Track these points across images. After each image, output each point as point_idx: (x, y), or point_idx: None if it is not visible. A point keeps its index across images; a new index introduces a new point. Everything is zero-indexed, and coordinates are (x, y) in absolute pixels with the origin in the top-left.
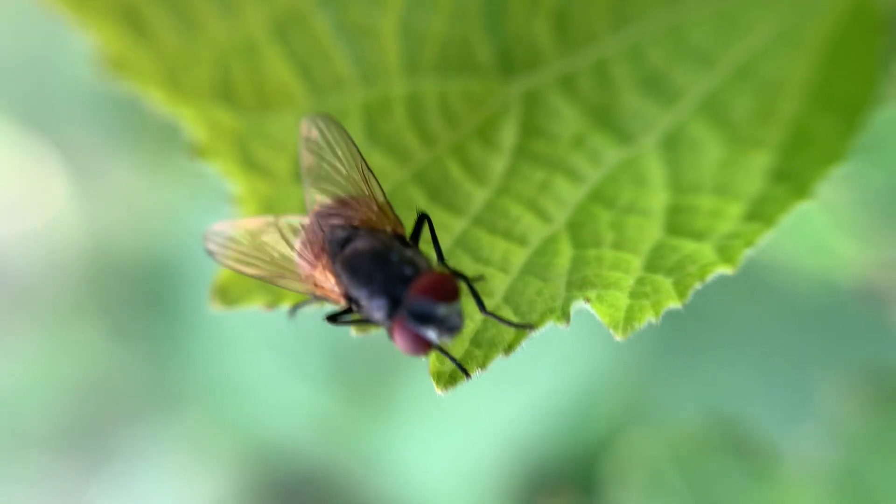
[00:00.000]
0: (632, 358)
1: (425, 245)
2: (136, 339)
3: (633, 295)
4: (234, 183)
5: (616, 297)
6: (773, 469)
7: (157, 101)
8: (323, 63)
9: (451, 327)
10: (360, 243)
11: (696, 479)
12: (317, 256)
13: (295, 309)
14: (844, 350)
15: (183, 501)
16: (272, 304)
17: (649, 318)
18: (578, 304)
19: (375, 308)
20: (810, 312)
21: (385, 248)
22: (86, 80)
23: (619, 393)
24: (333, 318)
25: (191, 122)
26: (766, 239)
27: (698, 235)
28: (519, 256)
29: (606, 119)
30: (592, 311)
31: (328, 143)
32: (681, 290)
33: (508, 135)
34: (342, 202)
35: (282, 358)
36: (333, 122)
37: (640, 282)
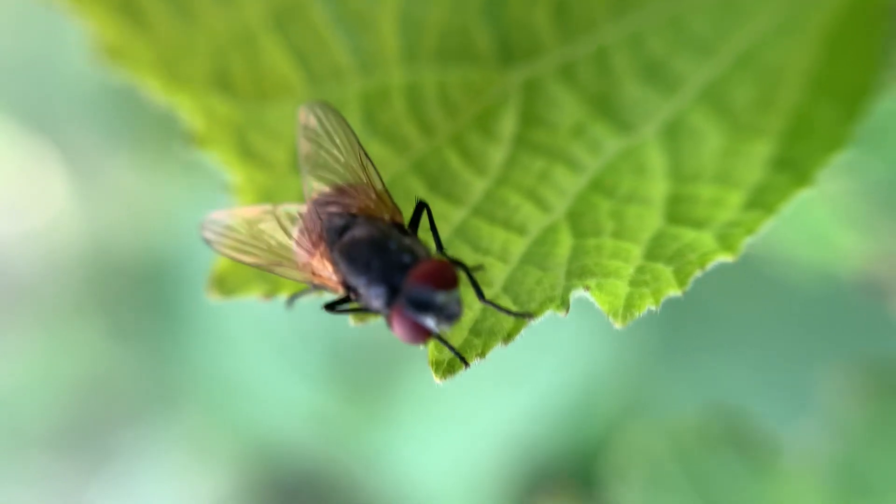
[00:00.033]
0: (631, 356)
1: (424, 234)
2: (136, 339)
3: (633, 283)
4: (232, 172)
5: (616, 286)
6: (773, 462)
7: (155, 90)
8: (321, 53)
9: (449, 315)
10: (359, 231)
11: (697, 474)
12: (315, 244)
13: (293, 298)
14: (844, 342)
15: (183, 501)
16: (270, 294)
17: (649, 305)
18: (578, 294)
19: (374, 296)
20: (810, 305)
21: (383, 236)
22: (86, 80)
23: (619, 390)
24: (332, 307)
25: (188, 111)
26: (767, 227)
27: (698, 224)
28: (518, 246)
29: (606, 108)
30: (592, 299)
31: (326, 131)
32: (681, 278)
33: (508, 124)
34: (340, 190)
35: (282, 358)
36: (331, 110)
37: (640, 270)
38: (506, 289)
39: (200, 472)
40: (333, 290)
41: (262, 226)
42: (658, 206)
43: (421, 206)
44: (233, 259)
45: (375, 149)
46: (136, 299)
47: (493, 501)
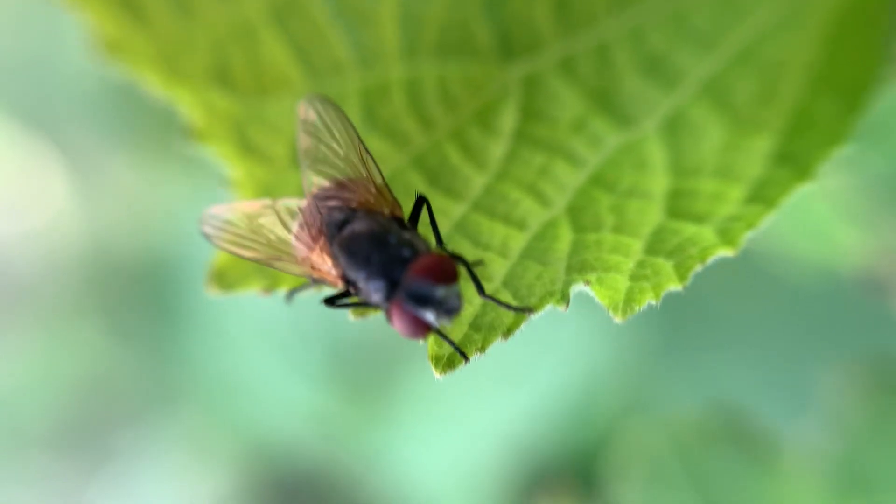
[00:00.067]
0: (632, 355)
1: (424, 229)
2: (136, 339)
3: (634, 278)
4: (232, 167)
5: (616, 280)
6: (773, 461)
7: (154, 85)
8: (321, 47)
9: (449, 309)
10: (358, 225)
11: (697, 472)
12: (314, 239)
13: (292, 293)
14: (845, 339)
15: (183, 501)
16: (269, 289)
17: (649, 299)
18: (578, 290)
19: (373, 290)
20: (810, 302)
21: (383, 230)
22: (86, 80)
23: (620, 389)
24: (331, 301)
25: (187, 106)
26: (767, 221)
27: (699, 218)
28: (518, 241)
29: (607, 103)
30: (592, 293)
31: (326, 125)
32: (681, 273)
33: (508, 119)
34: (340, 184)
35: (282, 357)
36: (331, 104)
37: (641, 265)
38: (506, 283)
39: (200, 472)
40: (333, 285)
41: (262, 220)
42: (658, 200)
43: (421, 201)
44: (232, 253)
45: (375, 143)
46: (136, 299)
47: (493, 501)
